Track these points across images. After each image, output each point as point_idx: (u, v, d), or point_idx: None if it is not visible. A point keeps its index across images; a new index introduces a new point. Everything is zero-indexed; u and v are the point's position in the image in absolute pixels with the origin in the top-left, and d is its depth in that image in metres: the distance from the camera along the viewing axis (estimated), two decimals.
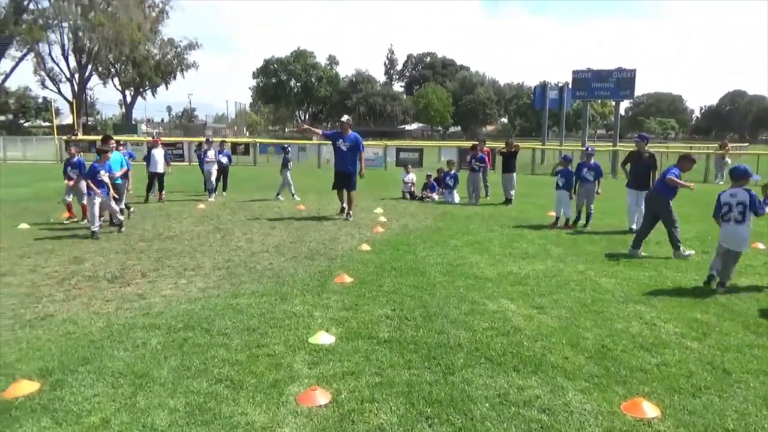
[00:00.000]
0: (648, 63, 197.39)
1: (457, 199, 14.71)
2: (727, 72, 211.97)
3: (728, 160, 23.32)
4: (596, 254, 8.31)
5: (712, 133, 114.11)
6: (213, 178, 14.66)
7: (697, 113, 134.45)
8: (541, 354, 4.53)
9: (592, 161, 10.92)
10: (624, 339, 4.88)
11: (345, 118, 11.68)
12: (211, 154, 14.86)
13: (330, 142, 11.75)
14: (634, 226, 9.94)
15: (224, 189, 15.76)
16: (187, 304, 5.71)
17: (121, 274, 6.92)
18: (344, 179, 11.43)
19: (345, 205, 11.54)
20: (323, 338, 4.73)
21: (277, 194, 14.74)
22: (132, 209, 11.37)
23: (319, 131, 12.69)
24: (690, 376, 4.18)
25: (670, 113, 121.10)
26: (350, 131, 11.37)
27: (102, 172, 9.50)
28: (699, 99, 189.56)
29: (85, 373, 4.08)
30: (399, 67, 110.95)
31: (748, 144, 69.73)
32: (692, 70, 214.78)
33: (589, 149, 11.40)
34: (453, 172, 15.15)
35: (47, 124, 62.84)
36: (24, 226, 10.02)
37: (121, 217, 9.96)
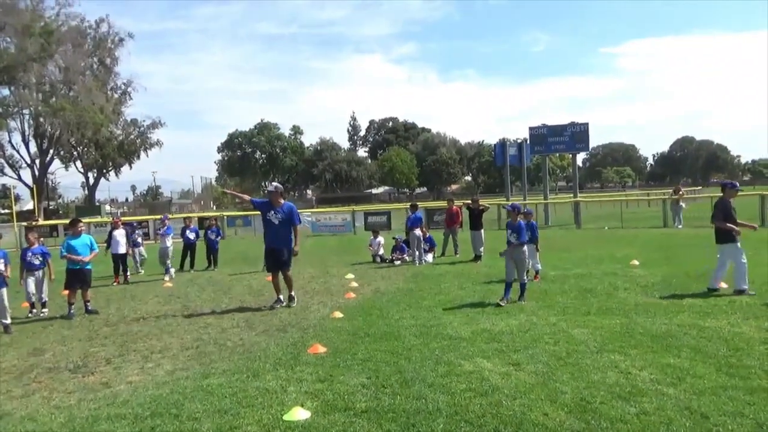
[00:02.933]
0: (599, 116, 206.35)
1: (431, 260, 14.78)
2: (676, 120, 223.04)
3: (683, 204, 24.17)
4: (567, 305, 8.37)
5: (666, 178, 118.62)
6: (168, 256, 14.41)
7: (650, 160, 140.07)
8: (520, 412, 4.46)
9: (518, 221, 9.00)
10: (602, 390, 4.86)
11: (274, 185, 9.89)
12: (164, 231, 14.72)
13: (259, 212, 9.99)
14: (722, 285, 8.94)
15: (191, 265, 15.51)
16: (154, 389, 5.48)
17: (84, 362, 6.63)
18: (277, 258, 9.49)
19: (279, 294, 9.60)
20: (298, 414, 4.57)
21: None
22: (44, 311, 9.88)
23: (247, 197, 10.76)
24: (669, 423, 4.16)
25: (625, 162, 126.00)
26: (283, 201, 9.68)
27: (30, 255, 9.62)
28: (652, 147, 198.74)
29: None
30: (362, 132, 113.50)
31: (701, 187, 72.58)
32: (642, 119, 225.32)
33: (515, 206, 9.35)
34: (428, 235, 15.33)
35: (6, 211, 61.50)
36: None
37: (43, 310, 9.77)
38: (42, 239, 10.92)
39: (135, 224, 15.63)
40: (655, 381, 5.03)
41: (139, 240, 15.45)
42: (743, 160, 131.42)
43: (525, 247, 8.99)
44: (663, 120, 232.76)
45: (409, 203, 16.91)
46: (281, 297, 9.55)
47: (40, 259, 9.86)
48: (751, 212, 23.67)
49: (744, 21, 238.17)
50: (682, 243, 16.42)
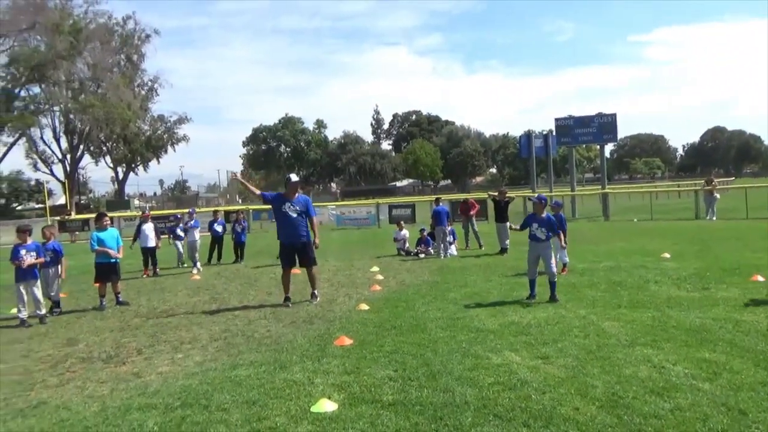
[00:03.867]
0: (627, 106, 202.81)
1: (455, 252, 14.70)
2: (707, 109, 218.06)
3: (717, 195, 23.57)
4: (597, 298, 8.23)
5: (697, 169, 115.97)
6: (196, 249, 14.55)
7: (680, 151, 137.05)
8: (550, 407, 4.39)
9: (545, 214, 8.58)
10: (634, 385, 4.76)
11: (293, 177, 9.47)
12: (191, 224, 14.84)
13: (270, 206, 9.38)
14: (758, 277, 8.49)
15: (219, 258, 15.68)
16: (184, 380, 5.55)
17: (117, 353, 6.76)
18: (299, 253, 9.12)
19: (289, 292, 9.13)
20: (326, 406, 4.58)
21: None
22: (57, 310, 9.48)
23: (257, 191, 9.56)
24: (706, 419, 4.05)
25: (654, 153, 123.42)
26: (299, 194, 9.23)
27: (23, 252, 8.79)
28: (681, 137, 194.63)
29: None
30: (386, 126, 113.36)
31: (734, 178, 70.78)
32: (671, 109, 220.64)
33: (541, 197, 8.97)
34: (451, 228, 15.25)
35: (40, 205, 63.11)
36: (15, 310, 9.84)
37: (42, 311, 8.87)
38: (55, 234, 10.65)
39: (178, 216, 15.76)
40: (690, 376, 4.90)
41: (181, 234, 15.57)
42: None
43: (549, 241, 8.43)
44: (692, 110, 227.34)
45: (434, 197, 16.90)
46: (290, 296, 9.11)
47: (51, 255, 9.46)
48: None
49: None
50: (715, 236, 16.01)
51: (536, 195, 9.29)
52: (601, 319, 6.99)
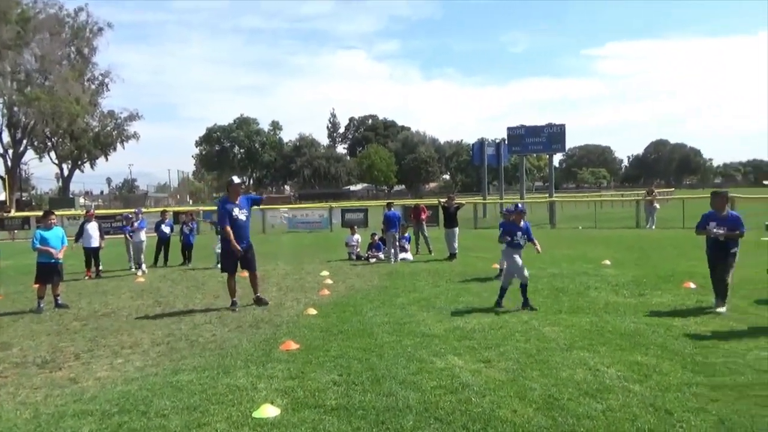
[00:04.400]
0: (578, 118, 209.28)
1: (410, 257, 14.84)
2: (651, 123, 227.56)
3: (657, 205, 24.63)
4: (539, 303, 8.46)
5: (640, 180, 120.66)
6: (142, 250, 14.21)
7: (625, 162, 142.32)
8: (489, 409, 4.51)
9: (523, 222, 8.70)
10: (570, 387, 4.94)
11: (236, 179, 9.28)
12: (137, 224, 14.46)
13: (227, 221, 8.84)
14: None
15: (165, 260, 15.34)
16: (123, 385, 5.41)
17: (53, 357, 6.52)
18: (245, 257, 8.97)
19: (235, 296, 8.99)
20: (268, 411, 4.55)
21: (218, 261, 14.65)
22: None
23: (230, 233, 8.79)
24: (635, 419, 4.24)
25: (600, 164, 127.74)
26: (240, 196, 9.06)
27: None
28: (626, 149, 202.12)
29: None
30: (342, 130, 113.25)
31: (674, 189, 73.97)
32: (618, 122, 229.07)
33: (519, 206, 9.00)
34: (407, 235, 15.54)
35: None
36: None
37: None
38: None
39: (129, 216, 15.23)
40: (622, 378, 5.13)
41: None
42: (715, 164, 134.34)
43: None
44: (638, 123, 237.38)
45: (386, 201, 17.01)
46: (237, 299, 8.97)
47: None
48: None
49: (720, 26, 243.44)
50: (653, 244, 16.72)
51: (513, 204, 9.43)
52: (543, 324, 7.21)
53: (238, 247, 8.79)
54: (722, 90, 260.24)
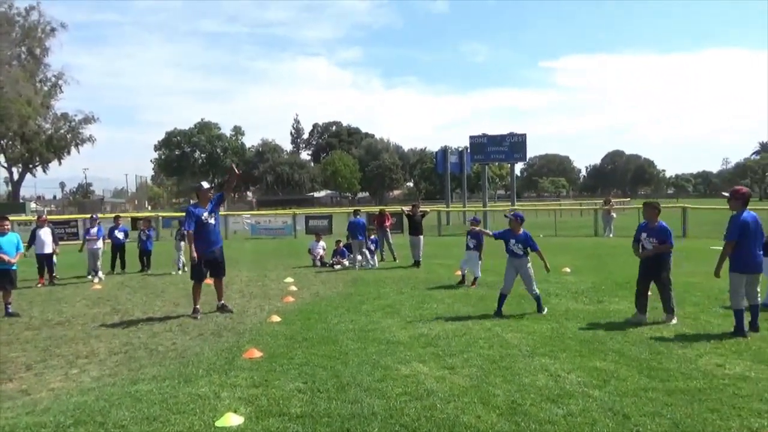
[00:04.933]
0: (537, 127, 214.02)
1: (376, 263, 14.85)
2: (607, 133, 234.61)
3: (614, 214, 25.36)
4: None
5: (598, 189, 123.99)
6: (98, 258, 13.84)
7: (583, 172, 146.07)
8: (454, 415, 4.55)
9: (522, 231, 8.67)
10: (532, 393, 5.02)
11: (205, 184, 9.27)
12: (93, 231, 14.09)
13: (193, 225, 8.75)
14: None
15: (122, 267, 14.96)
16: (78, 396, 5.23)
17: (2, 369, 6.25)
18: (218, 265, 9.05)
19: (198, 304, 8.89)
20: (231, 420, 4.48)
21: (179, 268, 14.42)
22: None
23: (193, 251, 8.66)
24: (594, 424, 4.34)
25: (560, 173, 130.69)
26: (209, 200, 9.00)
27: None
28: (584, 159, 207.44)
29: None
30: (305, 135, 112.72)
31: (630, 199, 76.22)
32: (576, 132, 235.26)
33: (517, 215, 8.98)
34: (373, 237, 15.49)
35: None
36: None
37: None
38: None
39: (95, 217, 14.86)
40: (582, 383, 5.24)
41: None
42: (668, 174, 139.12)
43: (527, 258, 8.57)
44: (595, 133, 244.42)
45: (353, 208, 17.04)
46: (199, 307, 8.85)
47: None
48: (675, 224, 25.12)
49: (668, 44, 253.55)
50: (610, 252, 17.18)
51: (512, 212, 9.49)
52: (506, 331, 7.32)
53: (195, 255, 8.67)
54: (670, 102, 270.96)
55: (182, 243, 14.84)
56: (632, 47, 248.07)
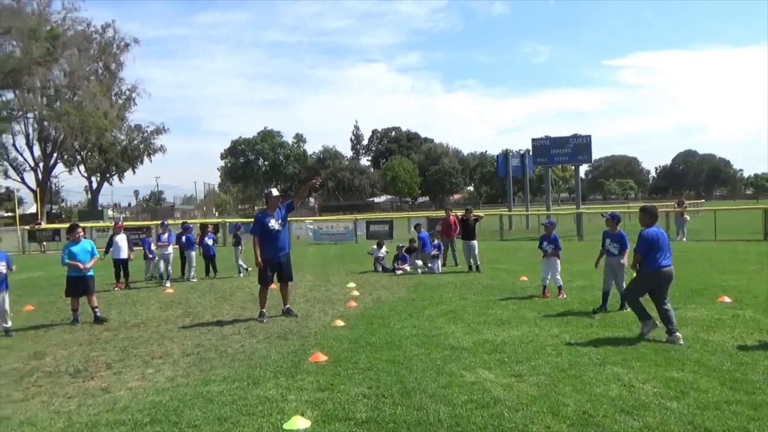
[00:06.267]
0: (602, 128, 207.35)
1: (440, 268, 14.78)
2: (678, 133, 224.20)
3: (687, 217, 24.16)
4: (570, 317, 8.33)
5: (669, 191, 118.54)
6: (169, 263, 14.39)
7: (653, 173, 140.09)
8: (522, 425, 4.43)
9: (618, 230, 8.91)
10: (604, 403, 4.82)
11: (274, 191, 9.39)
12: (164, 237, 14.64)
13: (259, 231, 9.01)
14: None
15: (208, 272, 15.30)
16: (154, 395, 5.46)
17: (85, 367, 6.61)
18: (282, 267, 9.13)
19: (264, 307, 9.13)
20: (298, 423, 4.54)
21: (239, 272, 14.92)
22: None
23: (259, 256, 8.95)
24: None
25: (627, 174, 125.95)
26: (279, 206, 9.14)
27: None
28: (653, 160, 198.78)
29: None
30: (365, 141, 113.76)
31: (704, 200, 72.51)
32: (644, 132, 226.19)
33: (614, 214, 9.24)
34: (437, 242, 15.38)
35: (9, 214, 61.59)
36: None
37: (8, 323, 8.63)
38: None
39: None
40: (659, 395, 4.99)
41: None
42: (745, 174, 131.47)
43: (622, 257, 8.68)
44: (664, 133, 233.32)
45: (413, 217, 17.22)
46: (265, 311, 9.06)
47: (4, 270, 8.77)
48: (755, 225, 23.66)
49: (743, 36, 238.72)
50: (684, 256, 16.34)
51: (609, 212, 9.39)
52: (574, 338, 7.08)
53: (260, 260, 8.91)
54: (747, 99, 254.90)
55: (239, 247, 15.30)
56: (703, 41, 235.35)
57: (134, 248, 14.40)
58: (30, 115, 59.96)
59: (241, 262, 15.24)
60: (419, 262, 14.53)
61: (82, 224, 12.37)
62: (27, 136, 62.11)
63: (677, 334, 6.78)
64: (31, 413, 5.12)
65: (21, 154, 63.81)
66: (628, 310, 7.88)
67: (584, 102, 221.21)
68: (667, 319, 6.95)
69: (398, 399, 5.07)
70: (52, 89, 59.34)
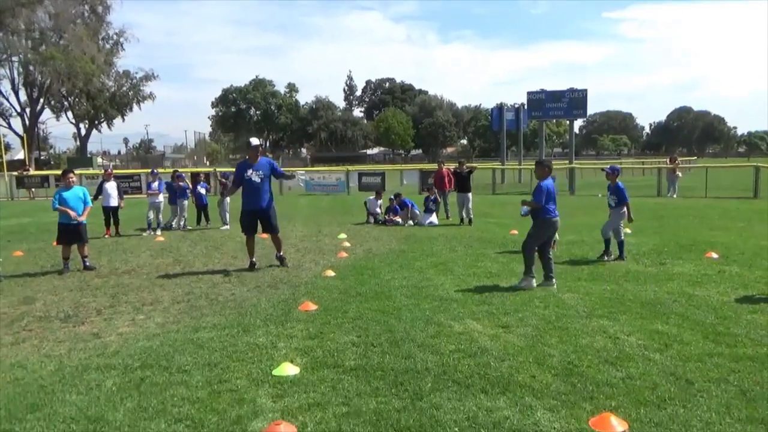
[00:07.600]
0: (598, 83, 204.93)
1: (436, 221, 14.78)
2: (674, 89, 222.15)
3: (679, 173, 24.20)
4: (558, 270, 8.38)
5: (662, 148, 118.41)
6: (159, 211, 14.28)
7: (647, 129, 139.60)
8: (508, 374, 4.51)
9: (617, 182, 9.44)
10: (589, 354, 4.91)
11: (254, 141, 9.21)
12: (154, 185, 14.48)
13: (237, 180, 9.08)
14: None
15: (199, 221, 15.29)
16: (144, 341, 5.50)
17: (75, 312, 6.64)
18: (262, 219, 8.97)
19: (253, 257, 9.13)
20: (287, 369, 4.60)
21: (224, 223, 14.71)
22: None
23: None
24: (654, 388, 4.21)
25: (621, 130, 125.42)
26: (261, 157, 8.99)
27: None
28: (649, 116, 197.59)
29: (34, 421, 3.85)
30: (358, 93, 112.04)
31: (696, 158, 72.56)
32: (640, 87, 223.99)
33: (614, 168, 9.76)
34: (433, 197, 15.31)
35: None
36: None
37: None
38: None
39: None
40: (643, 347, 5.09)
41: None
42: (739, 132, 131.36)
43: (618, 209, 9.40)
44: (661, 89, 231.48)
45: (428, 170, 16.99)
46: (255, 260, 9.07)
47: None
48: (746, 183, 23.78)
49: None
50: (674, 213, 16.46)
51: (609, 166, 9.58)
52: (562, 291, 7.17)
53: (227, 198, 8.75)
54: (746, 55, 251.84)
55: (226, 199, 15.10)
56: None
57: (124, 196, 14.26)
58: (14, 58, 58.24)
59: (227, 214, 14.97)
60: (411, 222, 14.64)
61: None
62: (12, 81, 60.46)
63: (553, 280, 7.50)
64: (21, 356, 5.16)
65: (7, 99, 62.31)
66: (626, 260, 8.51)
67: (582, 56, 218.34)
68: (549, 268, 7.57)
69: (387, 348, 5.14)
70: (37, 32, 57.50)
